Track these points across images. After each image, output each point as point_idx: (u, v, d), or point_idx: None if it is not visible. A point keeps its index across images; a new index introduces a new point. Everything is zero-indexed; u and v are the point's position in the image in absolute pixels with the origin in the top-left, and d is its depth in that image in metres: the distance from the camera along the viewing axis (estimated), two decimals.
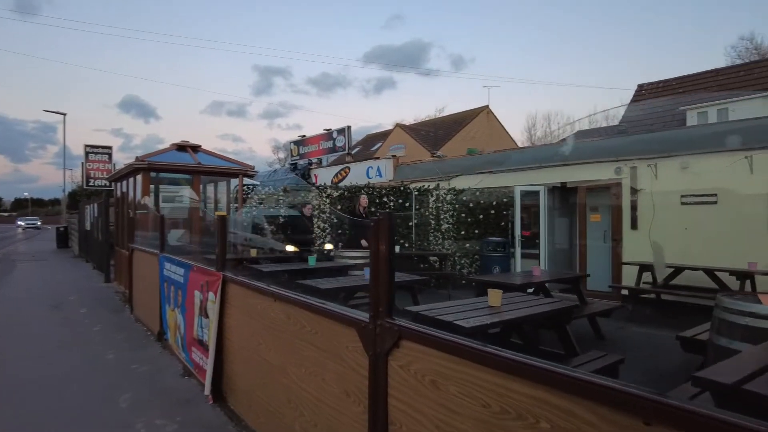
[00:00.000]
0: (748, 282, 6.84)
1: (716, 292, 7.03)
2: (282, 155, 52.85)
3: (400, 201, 10.55)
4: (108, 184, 16.07)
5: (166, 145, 9.56)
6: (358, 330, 2.26)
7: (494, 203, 10.72)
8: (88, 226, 16.03)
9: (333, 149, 17.23)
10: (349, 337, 2.35)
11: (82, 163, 18.81)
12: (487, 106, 29.03)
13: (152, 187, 9.08)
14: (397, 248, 9.64)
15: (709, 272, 7.10)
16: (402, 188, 10.64)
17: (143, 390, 4.40)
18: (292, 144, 20.01)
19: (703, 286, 7.32)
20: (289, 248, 8.35)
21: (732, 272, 6.81)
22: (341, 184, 13.21)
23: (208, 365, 3.94)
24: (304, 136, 19.20)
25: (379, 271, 2.13)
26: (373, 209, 10.23)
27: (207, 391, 3.96)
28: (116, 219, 10.85)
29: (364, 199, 9.32)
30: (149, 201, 8.05)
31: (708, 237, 7.80)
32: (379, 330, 2.12)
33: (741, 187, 7.59)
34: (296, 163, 19.62)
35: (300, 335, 2.82)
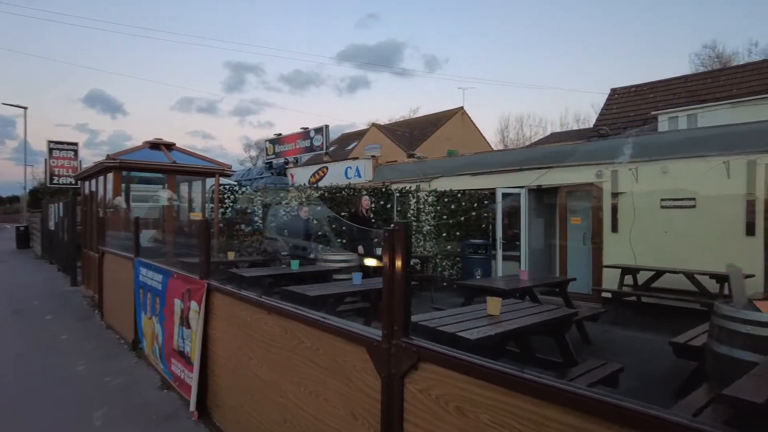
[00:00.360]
0: (726, 285, 6.97)
1: (696, 295, 7.20)
2: (254, 153, 52.00)
3: (381, 202, 10.39)
4: (74, 182, 15.38)
5: (137, 143, 9.16)
6: (368, 349, 2.09)
7: (475, 205, 10.68)
8: (52, 226, 15.29)
9: (310, 148, 16.92)
10: (358, 355, 2.18)
11: (46, 159, 17.97)
12: (462, 108, 29.19)
13: (122, 186, 8.66)
14: (379, 250, 9.49)
15: (690, 275, 7.20)
16: (384, 189, 10.48)
17: (119, 405, 4.12)
18: (267, 142, 19.60)
19: (683, 289, 7.43)
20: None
21: (712, 275, 6.91)
22: (320, 184, 12.97)
23: (193, 381, 3.70)
24: (280, 134, 18.82)
25: (394, 287, 1.97)
26: (353, 210, 10.05)
27: (192, 407, 3.71)
28: (84, 219, 10.33)
29: (366, 201, 8.96)
30: (122, 201, 7.65)
31: (687, 240, 7.92)
32: (394, 350, 1.96)
33: (719, 191, 7.73)
34: (271, 162, 19.22)
35: (298, 351, 2.63)
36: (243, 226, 9.78)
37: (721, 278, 6.89)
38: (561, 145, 10.63)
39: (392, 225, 1.95)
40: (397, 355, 1.95)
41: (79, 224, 10.96)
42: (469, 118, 29.48)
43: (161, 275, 4.60)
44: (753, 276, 7.05)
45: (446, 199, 10.76)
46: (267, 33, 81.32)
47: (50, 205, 16.25)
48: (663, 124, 16.72)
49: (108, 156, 7.68)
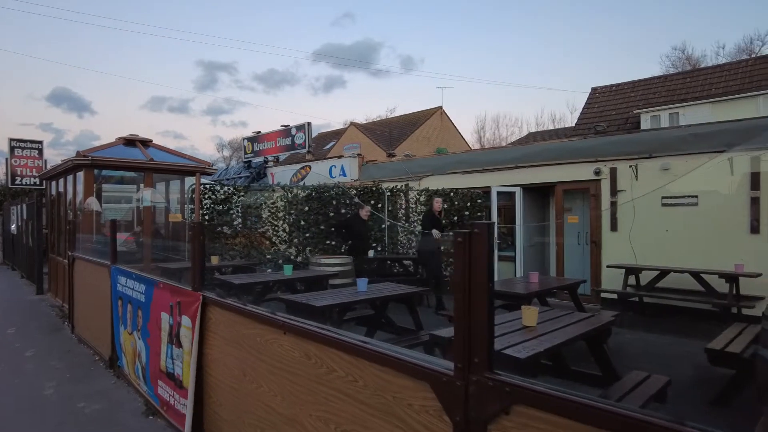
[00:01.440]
0: (735, 285, 6.77)
1: (704, 295, 6.99)
2: (227, 153, 50.79)
3: (372, 202, 9.93)
4: (39, 182, 14.41)
5: (110, 140, 8.43)
6: (434, 385, 1.65)
7: (468, 204, 10.34)
8: (14, 230, 14.31)
9: (292, 146, 16.33)
10: (415, 392, 1.74)
11: (7, 158, 16.85)
12: (440, 107, 29.02)
13: (94, 185, 7.95)
14: (371, 252, 9.04)
15: (696, 275, 6.99)
16: (374, 188, 10.03)
17: None
18: (245, 140, 18.90)
19: (689, 289, 7.22)
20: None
21: (721, 275, 6.70)
22: (305, 184, 12.42)
23: (188, 410, 3.18)
24: (259, 132, 18.16)
25: (473, 307, 1.54)
26: (343, 210, 9.57)
27: None
28: (51, 222, 9.55)
29: (438, 203, 8.44)
30: (95, 203, 6.99)
31: (689, 239, 7.72)
32: (473, 389, 1.53)
33: (722, 188, 7.56)
34: (250, 161, 18.54)
35: (326, 381, 2.17)
36: (225, 228, 9.18)
37: (731, 277, 6.70)
38: (557, 142, 10.38)
39: (471, 226, 1.52)
40: (478, 394, 1.51)
41: (46, 228, 10.16)
42: (448, 117, 29.33)
43: (144, 285, 4.05)
44: (760, 275, 6.88)
45: (437, 198, 10.37)
46: (240, 31, 79.57)
47: (12, 207, 15.23)
48: (645, 122, 16.80)
49: (78, 153, 7.00)
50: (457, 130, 30.06)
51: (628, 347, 6.04)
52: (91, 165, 7.05)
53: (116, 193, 9.72)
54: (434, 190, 10.51)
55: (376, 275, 8.05)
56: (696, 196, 7.75)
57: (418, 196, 10.45)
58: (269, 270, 8.31)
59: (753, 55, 27.60)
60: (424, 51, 76.99)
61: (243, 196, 9.59)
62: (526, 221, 10.01)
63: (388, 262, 9.48)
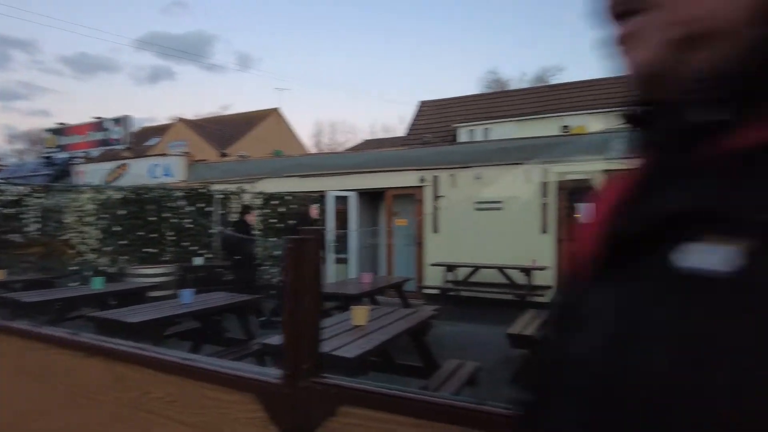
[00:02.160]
0: (530, 276, 8.01)
1: (507, 287, 8.11)
2: (21, 146, 42.97)
3: (201, 205, 9.32)
4: None
5: None
6: (260, 396, 1.60)
7: (305, 208, 10.36)
8: None
9: (106, 141, 14.47)
10: (242, 405, 1.66)
11: None
12: (277, 109, 28.67)
13: None
14: (200, 260, 8.48)
15: (501, 269, 8.08)
16: (203, 191, 9.42)
17: None
18: (48, 133, 16.18)
19: (497, 282, 8.30)
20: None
21: (522, 269, 7.86)
22: (120, 184, 11.10)
23: None
24: (63, 123, 15.70)
25: (299, 312, 1.53)
26: (167, 214, 8.81)
27: None
28: None
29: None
30: None
31: (496, 238, 8.87)
32: (301, 395, 1.52)
33: (520, 194, 8.84)
34: (50, 156, 15.93)
35: (141, 405, 1.95)
36: (16, 236, 7.72)
37: (526, 271, 7.90)
38: (388, 151, 11.04)
39: (300, 233, 1.52)
40: (306, 400, 1.51)
41: None
42: (284, 120, 29.08)
43: None
44: (547, 268, 8.25)
45: (273, 202, 10.21)
46: (44, 4, 67.73)
47: None
48: (463, 135, 18.84)
49: None
50: (294, 133, 29.97)
51: (446, 338, 6.66)
52: None
53: None
54: (270, 193, 10.30)
55: (206, 284, 7.56)
56: (501, 201, 8.93)
57: (253, 200, 10.13)
58: (76, 284, 7.23)
59: (545, 83, 33.02)
60: (262, 50, 75.35)
61: (42, 197, 8.19)
62: (359, 224, 10.42)
63: (218, 269, 8.98)
